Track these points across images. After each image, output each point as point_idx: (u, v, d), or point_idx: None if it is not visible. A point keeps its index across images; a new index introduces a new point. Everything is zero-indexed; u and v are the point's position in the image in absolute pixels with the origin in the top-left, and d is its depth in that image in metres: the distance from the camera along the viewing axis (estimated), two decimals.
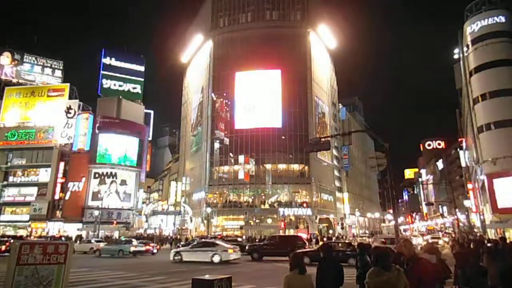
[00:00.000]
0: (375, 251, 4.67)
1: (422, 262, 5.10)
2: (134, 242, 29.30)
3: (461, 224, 51.33)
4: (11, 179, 55.67)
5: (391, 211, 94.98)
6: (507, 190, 30.59)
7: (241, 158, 54.24)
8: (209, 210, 50.86)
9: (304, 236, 44.83)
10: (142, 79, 64.19)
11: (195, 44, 70.10)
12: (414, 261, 5.04)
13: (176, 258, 22.19)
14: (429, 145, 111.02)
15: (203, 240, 28.64)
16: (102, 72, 60.87)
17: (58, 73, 64.03)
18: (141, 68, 64.50)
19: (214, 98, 60.86)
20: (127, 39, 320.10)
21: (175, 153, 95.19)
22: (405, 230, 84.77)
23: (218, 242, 24.01)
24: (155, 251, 31.12)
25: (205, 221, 50.80)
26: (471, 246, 12.74)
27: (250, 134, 55.97)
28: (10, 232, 49.62)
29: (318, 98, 62.63)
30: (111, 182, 53.59)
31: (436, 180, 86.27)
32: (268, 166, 55.73)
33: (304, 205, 52.43)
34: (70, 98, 57.30)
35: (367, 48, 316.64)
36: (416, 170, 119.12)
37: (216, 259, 20.82)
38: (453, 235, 45.42)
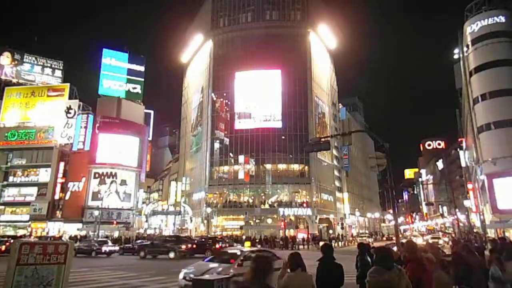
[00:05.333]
0: (378, 250, 4.65)
1: (421, 263, 5.09)
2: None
3: (461, 224, 51.35)
4: (11, 179, 55.65)
5: (391, 211, 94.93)
6: (507, 190, 30.60)
7: (241, 158, 54.24)
8: (209, 210, 50.83)
9: (302, 236, 45.14)
10: (142, 79, 64.07)
11: (195, 44, 70.05)
12: (414, 262, 5.03)
13: None
14: (429, 145, 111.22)
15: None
16: (102, 72, 60.74)
17: (58, 73, 64.03)
18: (141, 68, 64.41)
19: (214, 98, 60.81)
20: (127, 39, 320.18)
21: (175, 153, 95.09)
22: (405, 230, 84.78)
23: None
24: None
25: (205, 221, 50.77)
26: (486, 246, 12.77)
27: (250, 134, 55.93)
28: (10, 232, 49.69)
29: (318, 98, 62.60)
30: (111, 182, 53.56)
31: (436, 180, 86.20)
32: (268, 166, 55.71)
33: (304, 205, 52.41)
34: (70, 98, 57.27)
35: (367, 48, 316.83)
36: (416, 170, 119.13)
37: None
38: (453, 235, 45.42)
